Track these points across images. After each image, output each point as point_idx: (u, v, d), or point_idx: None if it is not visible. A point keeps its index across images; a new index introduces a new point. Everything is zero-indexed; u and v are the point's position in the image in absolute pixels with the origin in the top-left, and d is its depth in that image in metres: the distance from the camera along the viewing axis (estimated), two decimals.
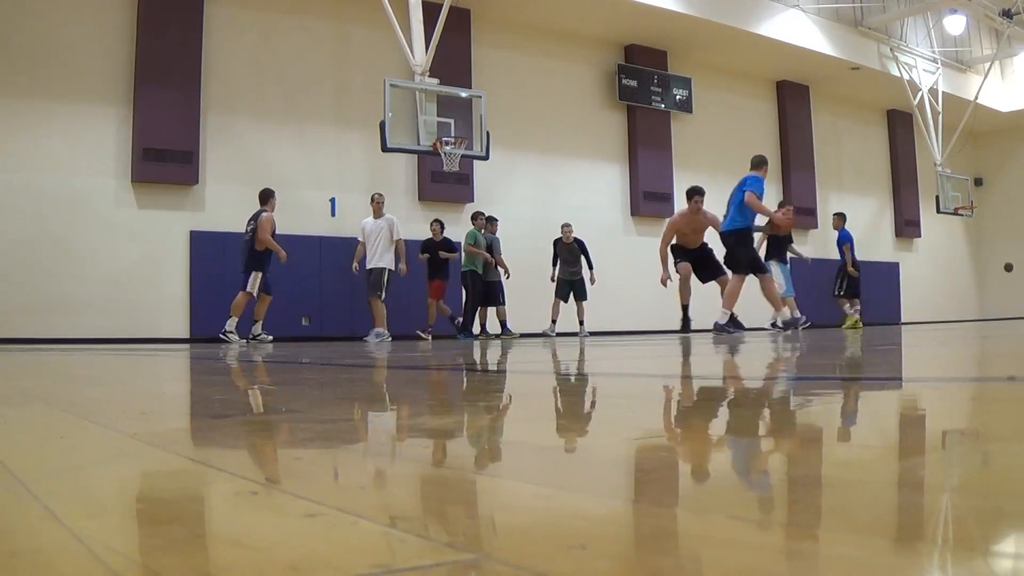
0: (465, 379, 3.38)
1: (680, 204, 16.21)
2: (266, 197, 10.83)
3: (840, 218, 14.17)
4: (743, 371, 3.43)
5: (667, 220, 10.69)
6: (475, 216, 12.63)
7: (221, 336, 10.39)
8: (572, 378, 3.25)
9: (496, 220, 12.94)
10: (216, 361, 5.19)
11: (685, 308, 10.38)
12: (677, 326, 10.77)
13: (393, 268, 11.26)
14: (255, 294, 10.62)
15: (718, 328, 9.82)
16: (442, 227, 12.36)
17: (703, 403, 2.06)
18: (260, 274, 10.57)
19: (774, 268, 11.84)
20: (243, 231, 10.80)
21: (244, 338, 10.56)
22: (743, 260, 9.91)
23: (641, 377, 3.11)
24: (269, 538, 0.69)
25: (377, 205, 11.44)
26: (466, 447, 1.34)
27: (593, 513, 0.78)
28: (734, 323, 9.88)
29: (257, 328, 10.71)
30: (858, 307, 14.03)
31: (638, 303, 15.62)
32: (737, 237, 9.93)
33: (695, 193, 10.57)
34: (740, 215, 9.97)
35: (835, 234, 14.46)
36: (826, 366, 3.47)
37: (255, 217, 10.70)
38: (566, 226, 13.19)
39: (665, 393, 2.44)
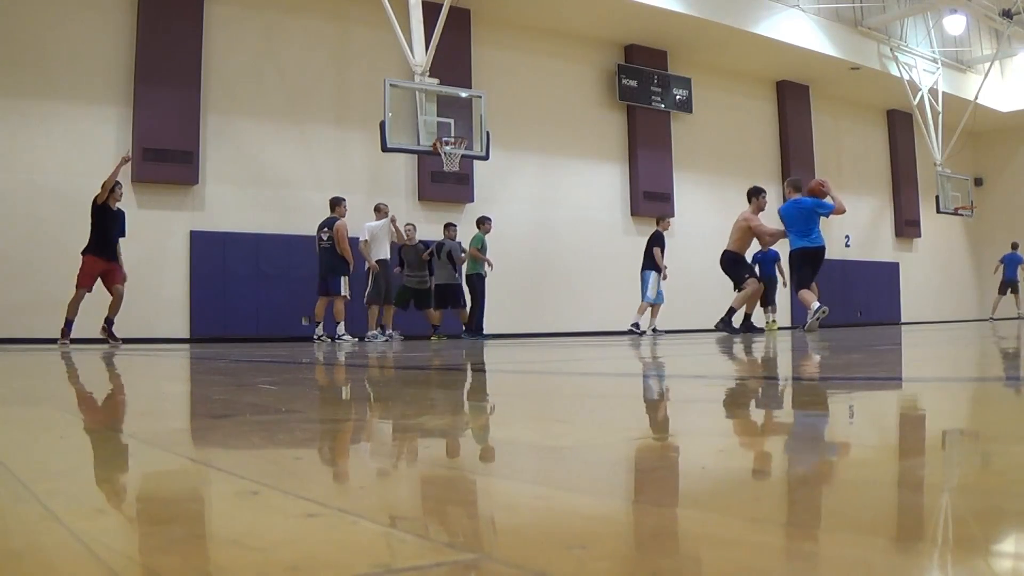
0: (469, 379, 3.38)
1: (680, 204, 16.30)
2: (335, 204, 11.03)
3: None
4: (740, 371, 3.43)
5: (745, 217, 10.71)
6: (482, 221, 12.41)
7: (334, 339, 10.68)
8: (568, 378, 3.25)
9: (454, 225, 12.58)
10: (217, 361, 5.19)
11: (747, 316, 10.89)
12: (739, 326, 10.93)
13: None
14: (348, 296, 10.86)
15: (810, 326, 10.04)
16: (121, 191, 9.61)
17: (702, 403, 2.06)
18: (347, 277, 10.84)
19: (652, 276, 12.65)
20: (316, 236, 11.02)
21: (356, 336, 10.93)
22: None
23: (640, 377, 3.11)
24: (269, 538, 0.69)
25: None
26: (466, 447, 1.34)
27: (593, 513, 0.78)
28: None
29: (341, 328, 10.91)
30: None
31: (637, 304, 15.62)
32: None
33: (761, 191, 10.89)
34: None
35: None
36: (825, 366, 3.47)
37: (328, 225, 10.88)
38: (408, 226, 11.92)
39: (663, 393, 2.44)
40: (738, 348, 5.67)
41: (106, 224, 9.41)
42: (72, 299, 9.14)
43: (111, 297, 9.39)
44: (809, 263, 10.20)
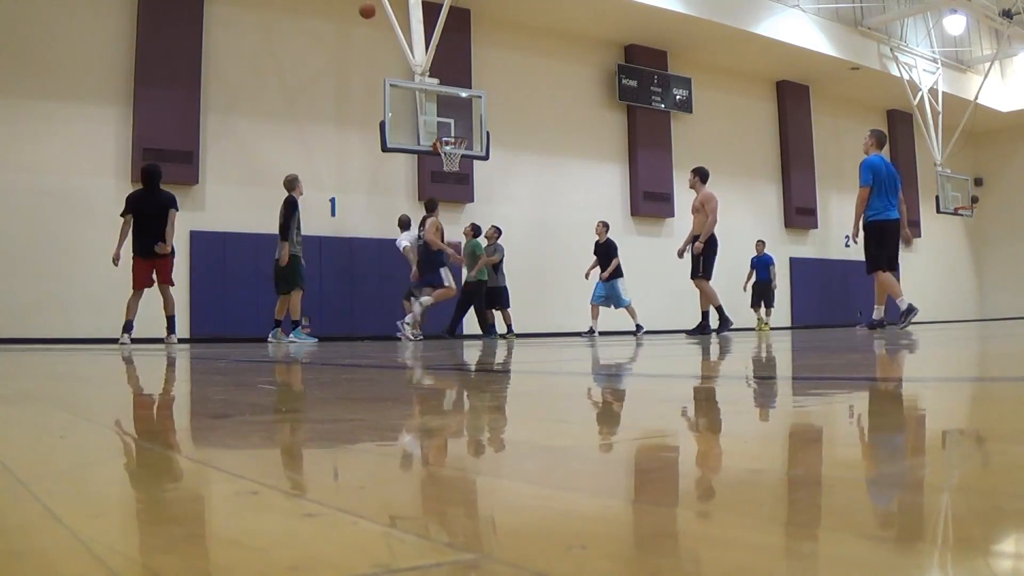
0: (464, 379, 3.38)
1: (680, 204, 16.30)
2: (432, 206, 11.41)
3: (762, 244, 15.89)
4: (741, 371, 3.43)
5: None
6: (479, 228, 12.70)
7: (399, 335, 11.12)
8: (569, 377, 3.25)
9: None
10: (217, 361, 5.18)
11: (719, 309, 10.38)
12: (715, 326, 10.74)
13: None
14: (451, 284, 11.34)
15: (870, 324, 9.38)
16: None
17: (702, 403, 2.06)
18: (446, 267, 11.26)
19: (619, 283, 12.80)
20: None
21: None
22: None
23: (639, 377, 3.11)
24: (269, 538, 0.69)
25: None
26: (466, 446, 1.34)
27: (593, 513, 0.78)
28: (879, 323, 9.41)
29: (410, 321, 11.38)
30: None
31: (637, 303, 15.62)
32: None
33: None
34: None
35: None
36: (826, 366, 3.47)
37: (422, 224, 11.34)
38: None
39: (664, 393, 2.44)
40: (736, 348, 5.67)
41: None
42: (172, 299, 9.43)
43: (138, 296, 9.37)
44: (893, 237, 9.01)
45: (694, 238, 10.40)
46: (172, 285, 9.35)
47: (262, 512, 0.80)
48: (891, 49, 18.85)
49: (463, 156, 11.46)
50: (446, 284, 11.21)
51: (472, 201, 13.86)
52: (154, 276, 9.18)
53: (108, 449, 1.34)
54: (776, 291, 16.03)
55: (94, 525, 0.74)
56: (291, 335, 10.12)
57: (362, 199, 13.01)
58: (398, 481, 1.02)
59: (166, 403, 2.49)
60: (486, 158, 11.85)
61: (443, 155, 11.07)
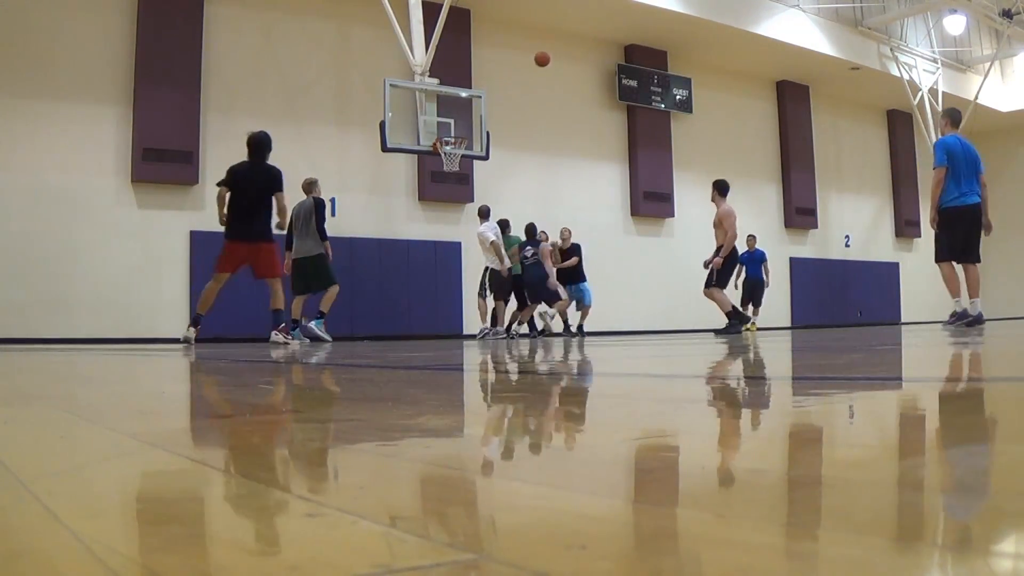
0: (467, 379, 3.38)
1: (680, 204, 16.31)
2: (535, 231, 12.38)
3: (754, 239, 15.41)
4: (742, 371, 3.43)
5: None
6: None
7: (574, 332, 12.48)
8: (571, 378, 3.25)
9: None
10: (217, 361, 5.18)
11: (728, 314, 10.81)
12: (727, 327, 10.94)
13: (494, 268, 12.02)
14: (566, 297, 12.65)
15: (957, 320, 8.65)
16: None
17: (702, 403, 2.06)
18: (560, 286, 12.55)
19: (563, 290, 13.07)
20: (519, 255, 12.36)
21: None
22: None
23: (640, 377, 3.11)
24: (269, 538, 0.69)
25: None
26: (465, 446, 1.34)
27: (593, 513, 0.78)
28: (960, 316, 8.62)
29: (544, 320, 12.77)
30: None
31: (637, 303, 15.63)
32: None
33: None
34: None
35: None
36: (825, 366, 3.47)
37: (534, 245, 12.24)
38: None
39: (664, 393, 2.44)
40: (738, 348, 5.68)
41: None
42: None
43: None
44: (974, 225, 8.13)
45: (717, 250, 10.74)
46: (278, 276, 8.92)
47: (262, 512, 0.80)
48: (891, 49, 18.85)
49: (463, 156, 11.47)
50: (563, 297, 12.50)
51: (472, 201, 13.86)
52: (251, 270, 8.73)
53: (108, 449, 1.34)
54: (767, 289, 15.75)
55: (94, 525, 0.74)
56: (292, 333, 10.10)
57: (362, 199, 13.01)
58: (398, 481, 1.02)
59: (166, 403, 2.49)
60: (486, 158, 11.86)
61: (443, 155, 11.07)
